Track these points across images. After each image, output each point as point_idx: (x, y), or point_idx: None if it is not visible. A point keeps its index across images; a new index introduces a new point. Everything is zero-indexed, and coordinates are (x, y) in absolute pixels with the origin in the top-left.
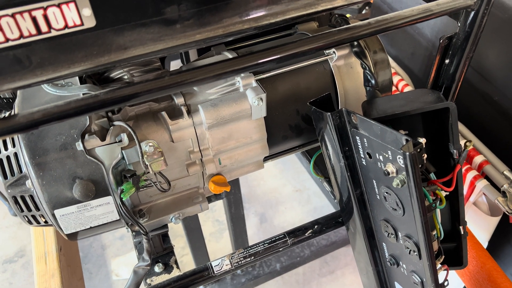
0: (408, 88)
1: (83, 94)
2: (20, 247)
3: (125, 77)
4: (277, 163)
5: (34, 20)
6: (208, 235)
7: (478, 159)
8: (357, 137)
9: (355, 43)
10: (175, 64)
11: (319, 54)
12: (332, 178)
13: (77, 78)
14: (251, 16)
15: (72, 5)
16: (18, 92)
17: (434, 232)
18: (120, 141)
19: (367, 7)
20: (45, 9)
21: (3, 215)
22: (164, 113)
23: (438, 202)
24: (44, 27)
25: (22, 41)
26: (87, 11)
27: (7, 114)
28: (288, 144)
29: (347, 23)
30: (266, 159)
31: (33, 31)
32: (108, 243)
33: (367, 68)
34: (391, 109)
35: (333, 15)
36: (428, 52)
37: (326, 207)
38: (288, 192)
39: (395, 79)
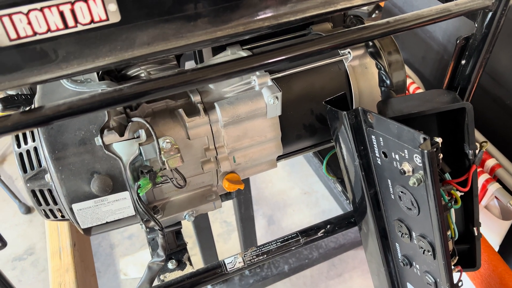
0: (419, 91)
1: (102, 90)
2: (30, 245)
3: (142, 75)
4: (285, 166)
5: (61, 14)
6: (216, 236)
7: (490, 162)
8: (373, 136)
9: (370, 43)
10: (189, 65)
11: (334, 54)
12: (346, 178)
13: (95, 74)
14: (270, 14)
15: (98, 0)
16: (38, 87)
17: (449, 232)
18: (138, 137)
19: (377, 11)
20: (72, 3)
21: (13, 213)
22: (181, 110)
23: (453, 202)
24: (71, 22)
25: (49, 35)
26: (113, 6)
27: (27, 109)
28: (301, 143)
29: (362, 23)
30: (279, 158)
31: (60, 25)
32: (117, 242)
33: (382, 69)
34: (407, 109)
35: (347, 16)
36: (440, 55)
37: (334, 210)
38: (296, 195)
39: (406, 82)
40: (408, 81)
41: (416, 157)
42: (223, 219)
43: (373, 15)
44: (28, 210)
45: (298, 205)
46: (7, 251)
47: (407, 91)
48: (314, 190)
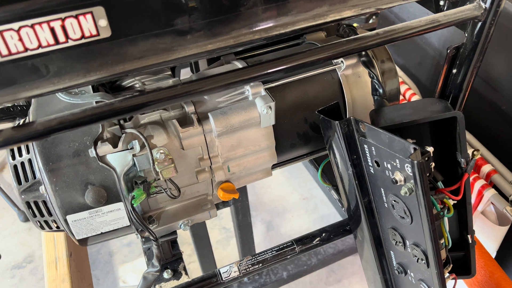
0: (415, 97)
1: (96, 102)
2: (29, 252)
3: (137, 85)
4: (284, 171)
5: (52, 30)
6: (215, 242)
7: (486, 168)
8: (365, 146)
9: (363, 52)
10: (185, 72)
11: (327, 63)
12: (340, 186)
13: (90, 86)
14: (261, 27)
15: (89, 16)
16: (33, 99)
17: (442, 241)
18: (132, 148)
19: (374, 17)
20: (63, 20)
21: (12, 220)
22: (175, 121)
23: (446, 210)
24: (61, 37)
25: (40, 50)
26: (103, 22)
27: (21, 121)
28: (296, 152)
29: (355, 33)
30: (274, 166)
31: (51, 41)
32: (116, 249)
33: (375, 78)
34: (399, 118)
35: (341, 25)
36: (435, 61)
37: (333, 215)
38: (295, 200)
39: (402, 88)
40: (404, 87)
41: (407, 166)
42: (222, 225)
43: (370, 21)
44: (27, 218)
45: (297, 210)
46: (6, 259)
47: (403, 97)
48: (313, 195)
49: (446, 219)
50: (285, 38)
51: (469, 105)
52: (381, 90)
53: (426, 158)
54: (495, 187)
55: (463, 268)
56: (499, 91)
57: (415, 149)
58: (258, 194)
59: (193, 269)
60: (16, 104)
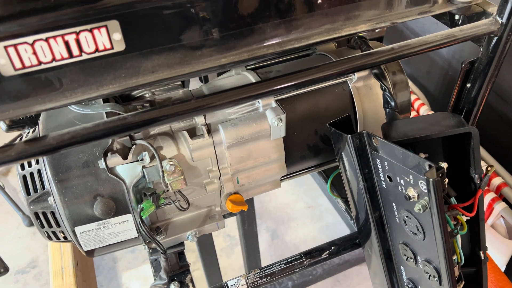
0: (424, 107)
1: (106, 112)
2: (33, 257)
3: (146, 95)
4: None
5: (66, 44)
6: (219, 250)
7: (497, 181)
8: (378, 160)
9: None
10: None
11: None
12: (350, 199)
13: None
14: (275, 41)
15: (103, 29)
16: None
17: (455, 257)
18: (142, 159)
19: None
20: (77, 33)
21: (17, 225)
22: (185, 132)
23: (459, 227)
24: (75, 51)
25: (54, 64)
26: (118, 36)
27: (30, 130)
28: (305, 163)
29: (367, 45)
30: (283, 178)
31: (65, 55)
32: (120, 256)
33: (387, 90)
34: (412, 132)
35: (352, 36)
36: (444, 71)
37: (338, 224)
38: (300, 208)
39: (411, 98)
40: (413, 97)
41: (421, 183)
42: (227, 233)
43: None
44: (32, 222)
45: (302, 219)
46: (10, 264)
47: (412, 108)
48: (318, 203)
49: (458, 235)
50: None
51: (479, 117)
52: (392, 103)
53: (441, 175)
54: (505, 200)
55: (475, 284)
56: (510, 103)
57: (430, 166)
58: (263, 202)
59: (197, 276)
60: None
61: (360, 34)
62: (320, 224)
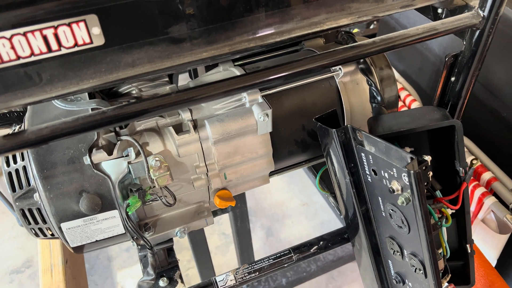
0: (415, 103)
1: (92, 109)
2: (28, 257)
3: (133, 91)
4: (284, 177)
5: (45, 38)
6: (214, 248)
7: (486, 175)
8: (362, 154)
9: (361, 60)
10: (183, 77)
11: (325, 70)
12: (338, 194)
13: (86, 93)
14: (257, 35)
15: (82, 24)
16: (28, 106)
17: (440, 250)
18: (127, 155)
19: (375, 22)
20: (56, 28)
21: (12, 225)
22: (171, 128)
23: (444, 220)
24: (54, 45)
25: (32, 58)
26: (97, 30)
27: (17, 127)
28: (293, 159)
29: (354, 40)
30: (271, 173)
31: (44, 49)
32: (115, 254)
33: (373, 85)
34: (397, 126)
35: (339, 32)
36: (436, 67)
37: (333, 221)
38: (295, 206)
39: (402, 94)
40: (404, 93)
41: (404, 176)
42: (221, 231)
43: (371, 26)
44: None
45: (296, 216)
46: (5, 264)
47: (402, 104)
48: (313, 201)
49: (444, 228)
50: (283, 45)
51: (469, 112)
52: (379, 98)
53: (424, 167)
54: (495, 194)
55: (462, 278)
56: (500, 98)
57: (412, 158)
58: (257, 199)
59: (192, 275)
60: (12, 110)
61: (346, 29)
62: (315, 221)
